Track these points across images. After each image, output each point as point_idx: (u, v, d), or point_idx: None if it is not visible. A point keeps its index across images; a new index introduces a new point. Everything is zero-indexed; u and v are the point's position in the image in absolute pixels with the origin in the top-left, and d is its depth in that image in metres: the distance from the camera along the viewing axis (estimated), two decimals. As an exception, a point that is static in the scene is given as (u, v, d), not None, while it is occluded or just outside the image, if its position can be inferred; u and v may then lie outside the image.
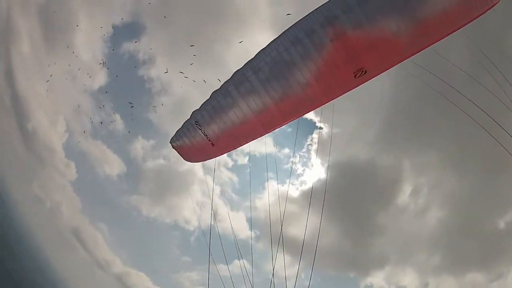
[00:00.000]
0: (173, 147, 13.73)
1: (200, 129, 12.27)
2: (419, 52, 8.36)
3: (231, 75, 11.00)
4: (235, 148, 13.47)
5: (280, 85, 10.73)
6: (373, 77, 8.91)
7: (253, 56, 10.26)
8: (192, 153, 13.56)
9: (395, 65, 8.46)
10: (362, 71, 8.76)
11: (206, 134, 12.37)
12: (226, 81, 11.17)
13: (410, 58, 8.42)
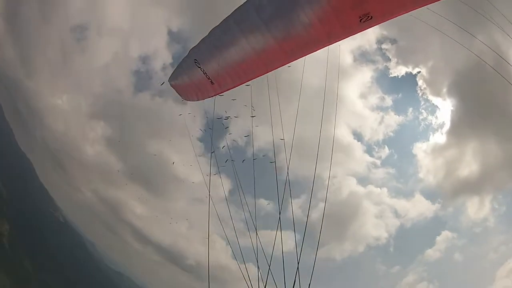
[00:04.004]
0: (171, 86, 13.53)
1: (199, 67, 11.99)
2: (427, 4, 7.81)
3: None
4: (236, 86, 13.26)
5: (283, 25, 10.25)
6: (378, 23, 8.46)
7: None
8: (191, 92, 13.39)
9: (402, 13, 7.97)
10: (368, 16, 8.31)
11: (205, 72, 12.11)
12: (226, 18, 10.64)
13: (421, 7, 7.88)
